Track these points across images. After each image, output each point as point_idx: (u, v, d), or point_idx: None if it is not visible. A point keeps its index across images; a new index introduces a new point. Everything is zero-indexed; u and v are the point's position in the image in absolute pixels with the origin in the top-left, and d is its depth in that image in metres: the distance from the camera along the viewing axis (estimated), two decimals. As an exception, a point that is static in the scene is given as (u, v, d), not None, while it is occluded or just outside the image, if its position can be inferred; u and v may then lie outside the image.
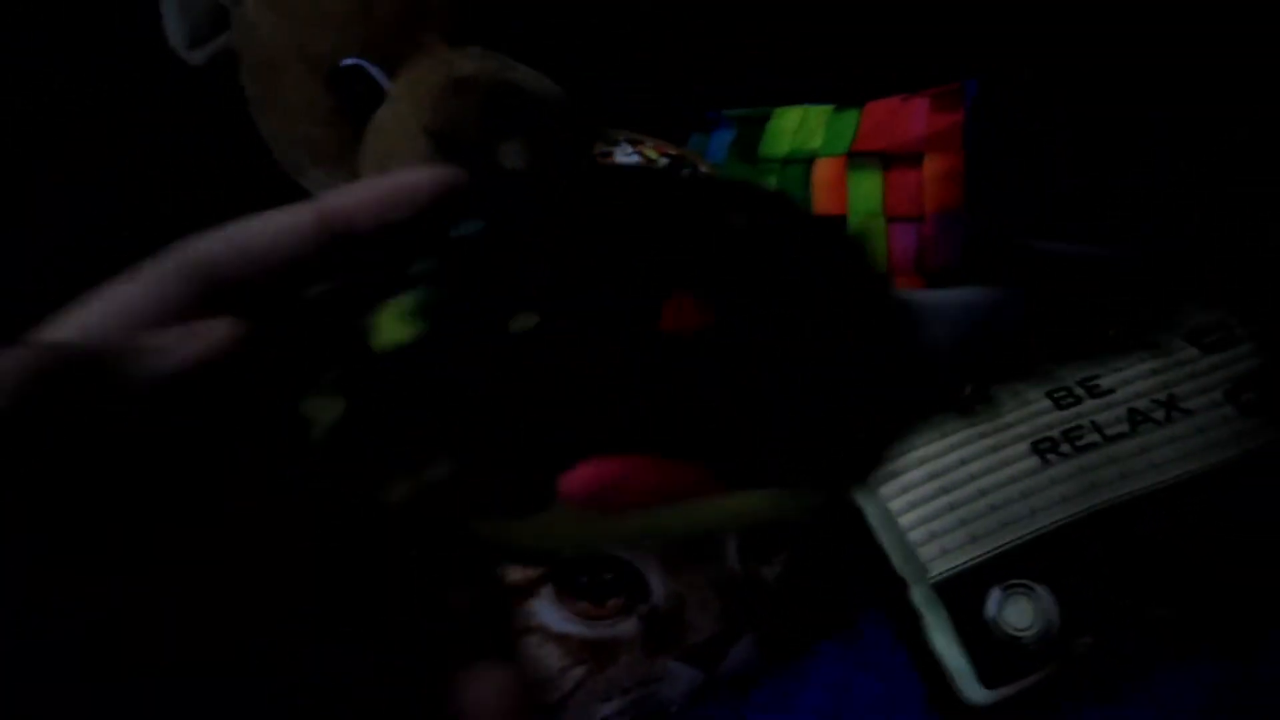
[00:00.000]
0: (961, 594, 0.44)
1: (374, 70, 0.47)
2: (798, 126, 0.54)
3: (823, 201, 0.52)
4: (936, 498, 0.46)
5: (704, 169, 0.51)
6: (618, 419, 0.16)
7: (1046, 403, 0.48)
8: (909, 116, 0.52)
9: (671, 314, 0.17)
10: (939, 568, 0.45)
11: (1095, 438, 0.46)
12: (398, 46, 0.47)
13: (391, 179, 0.19)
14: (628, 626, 0.43)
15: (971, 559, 0.44)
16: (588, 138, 0.52)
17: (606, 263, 0.17)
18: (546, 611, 0.43)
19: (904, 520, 0.46)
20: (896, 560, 0.46)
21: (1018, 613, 0.43)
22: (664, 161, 0.52)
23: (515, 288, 0.17)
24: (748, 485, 0.17)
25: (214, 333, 0.18)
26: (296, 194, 0.58)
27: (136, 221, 0.57)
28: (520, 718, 0.19)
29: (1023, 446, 0.47)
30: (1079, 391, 0.48)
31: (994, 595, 0.43)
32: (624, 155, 0.52)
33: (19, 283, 0.54)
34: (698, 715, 0.46)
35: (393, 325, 0.17)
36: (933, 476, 0.46)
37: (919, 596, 0.45)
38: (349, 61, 0.47)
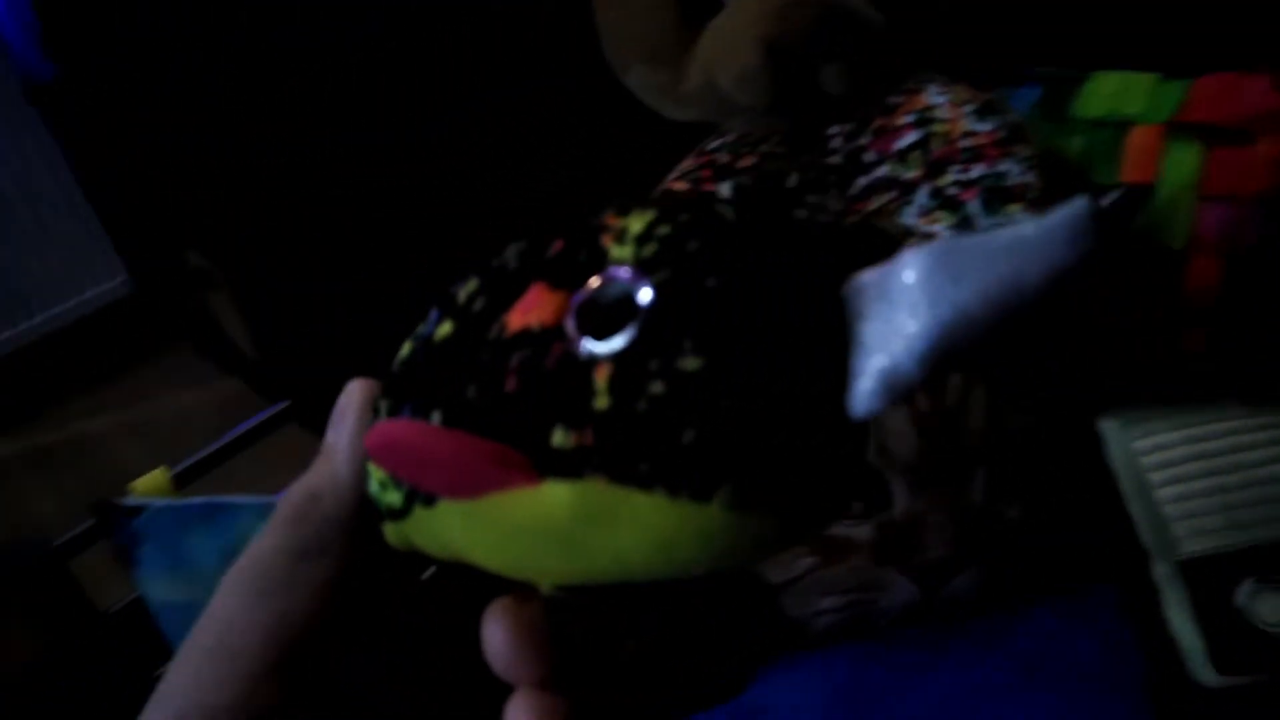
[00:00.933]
0: (1211, 576, 0.43)
1: (720, -20, 0.51)
2: (1117, 90, 0.53)
3: (1132, 169, 0.51)
4: (1202, 478, 0.45)
5: (1011, 118, 0.51)
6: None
7: (1344, 408, 0.45)
8: (1246, 92, 0.49)
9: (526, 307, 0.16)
10: (1191, 546, 0.44)
11: (1395, 452, 0.44)
12: (746, -40, 0.50)
13: None
14: (863, 531, 0.46)
15: (1230, 544, 0.43)
16: (902, 72, 0.54)
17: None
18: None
19: (1161, 493, 0.45)
20: (1144, 531, 0.46)
21: (1271, 606, 0.42)
22: (970, 106, 0.52)
23: None
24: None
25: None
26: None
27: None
28: None
29: (1308, 447, 0.45)
30: (1385, 403, 0.45)
31: (1247, 584, 0.42)
32: (932, 96, 0.53)
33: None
34: (909, 633, 0.48)
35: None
36: (1200, 457, 0.45)
37: (1162, 571, 0.45)
38: (699, -32, 0.51)
